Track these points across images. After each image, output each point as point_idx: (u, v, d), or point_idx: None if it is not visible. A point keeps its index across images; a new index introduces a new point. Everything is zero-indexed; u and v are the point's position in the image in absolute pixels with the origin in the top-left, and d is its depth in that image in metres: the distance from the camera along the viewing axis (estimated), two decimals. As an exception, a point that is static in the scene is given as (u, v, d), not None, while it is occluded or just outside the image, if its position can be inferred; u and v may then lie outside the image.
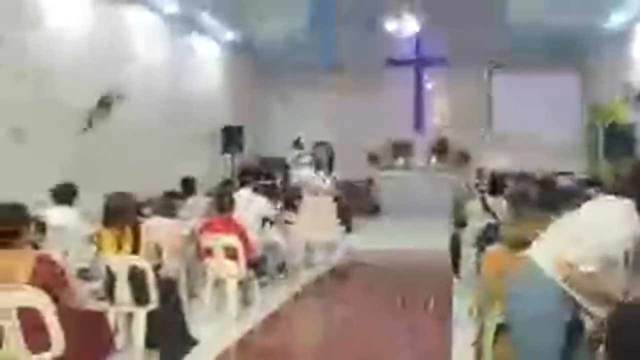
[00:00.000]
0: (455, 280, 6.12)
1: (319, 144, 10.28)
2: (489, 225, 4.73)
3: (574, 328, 2.26)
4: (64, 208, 4.67)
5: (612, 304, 2.08)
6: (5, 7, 5.55)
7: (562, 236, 2.30)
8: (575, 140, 11.53)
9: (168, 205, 5.12)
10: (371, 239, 8.98)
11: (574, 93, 11.71)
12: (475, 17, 11.01)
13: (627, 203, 2.20)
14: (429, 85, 12.60)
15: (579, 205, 2.38)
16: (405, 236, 9.25)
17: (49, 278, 2.88)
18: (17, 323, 2.83)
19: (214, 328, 4.55)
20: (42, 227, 3.65)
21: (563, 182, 6.05)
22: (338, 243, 7.47)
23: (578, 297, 2.18)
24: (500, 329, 2.74)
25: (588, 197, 2.69)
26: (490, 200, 5.43)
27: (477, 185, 7.45)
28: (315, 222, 6.80)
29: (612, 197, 2.30)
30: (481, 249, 3.89)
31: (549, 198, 2.68)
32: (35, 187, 4.74)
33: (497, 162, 11.21)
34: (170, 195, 5.61)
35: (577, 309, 2.23)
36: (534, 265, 2.29)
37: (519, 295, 2.33)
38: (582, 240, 2.19)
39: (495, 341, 2.80)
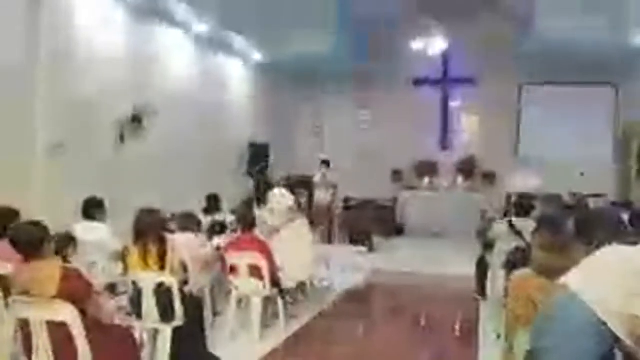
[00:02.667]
0: (481, 303, 6.01)
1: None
2: (517, 249, 4.63)
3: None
4: (92, 223, 4.76)
5: None
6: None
7: (618, 281, 2.20)
8: (607, 160, 11.28)
9: (192, 221, 5.16)
10: (395, 260, 8.89)
11: (607, 111, 11.44)
12: (505, 34, 10.99)
13: None
14: (455, 104, 12.51)
15: (615, 232, 2.31)
16: (430, 257, 9.15)
17: (75, 289, 2.93)
18: (46, 336, 2.88)
19: (237, 346, 4.55)
20: (73, 241, 3.72)
21: (595, 204, 5.91)
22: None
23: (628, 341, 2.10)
24: (530, 355, 2.67)
25: (622, 222, 2.59)
26: (517, 222, 5.34)
27: (505, 206, 7.32)
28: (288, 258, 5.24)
29: None
30: (509, 272, 3.80)
31: (581, 222, 2.61)
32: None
33: (526, 182, 11.06)
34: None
35: (612, 343, 2.15)
36: (573, 297, 2.21)
37: (552, 326, 2.26)
38: None
39: (523, 368, 2.73)
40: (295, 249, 5.26)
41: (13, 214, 4.02)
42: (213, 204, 6.60)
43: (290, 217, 5.14)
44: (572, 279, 2.29)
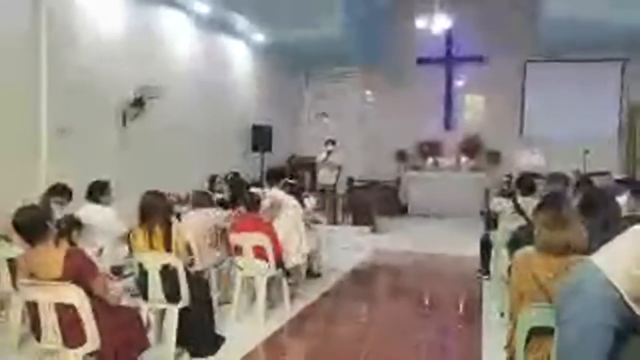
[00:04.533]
0: (485, 281, 6.05)
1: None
2: (521, 228, 4.64)
3: (624, 334, 2.18)
4: (97, 206, 4.78)
5: None
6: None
7: (632, 248, 2.20)
8: (613, 138, 11.19)
9: (205, 198, 5.35)
10: (398, 240, 8.92)
11: (613, 88, 11.30)
12: (510, 11, 10.85)
13: None
14: (459, 83, 12.41)
15: (616, 210, 2.31)
16: (433, 237, 9.19)
17: (79, 267, 2.96)
18: (55, 318, 2.92)
19: (242, 326, 4.60)
20: (78, 224, 3.73)
21: (599, 182, 5.88)
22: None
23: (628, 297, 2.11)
24: (533, 332, 2.69)
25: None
26: (521, 200, 5.33)
27: (508, 184, 7.32)
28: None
29: None
30: (513, 250, 3.82)
31: (585, 200, 2.61)
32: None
33: (530, 161, 11.02)
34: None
35: (633, 321, 2.15)
36: (594, 272, 2.22)
37: (573, 298, 2.27)
38: None
39: (527, 345, 2.75)
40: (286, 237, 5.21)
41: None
42: (214, 184, 6.66)
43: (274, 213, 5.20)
44: (596, 254, 2.30)
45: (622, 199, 3.96)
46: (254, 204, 5.00)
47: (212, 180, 6.79)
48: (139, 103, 7.01)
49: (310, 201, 6.51)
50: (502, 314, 4.64)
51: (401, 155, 12.47)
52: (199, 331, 3.90)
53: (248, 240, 4.77)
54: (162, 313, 3.97)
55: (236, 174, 6.91)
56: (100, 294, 3.05)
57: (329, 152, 9.75)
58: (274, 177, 6.08)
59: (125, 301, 3.83)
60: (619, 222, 2.47)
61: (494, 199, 6.06)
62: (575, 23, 8.84)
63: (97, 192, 4.84)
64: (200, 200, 5.28)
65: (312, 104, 13.04)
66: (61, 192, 4.73)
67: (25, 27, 5.60)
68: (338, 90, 12.71)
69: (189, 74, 8.56)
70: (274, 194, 5.53)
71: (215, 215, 5.21)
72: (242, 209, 5.17)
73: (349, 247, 8.08)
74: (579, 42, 9.92)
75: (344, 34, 10.07)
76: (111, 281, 3.80)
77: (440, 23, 10.01)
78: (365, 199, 9.93)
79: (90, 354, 2.97)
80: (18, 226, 3.01)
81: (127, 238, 4.19)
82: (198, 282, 4.02)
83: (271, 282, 4.95)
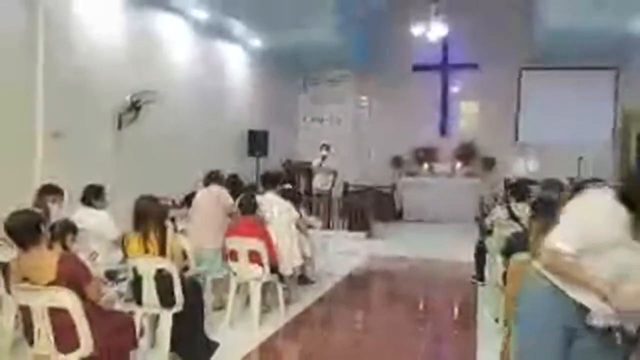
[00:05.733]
0: (480, 287, 6.05)
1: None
2: (515, 234, 4.65)
3: (571, 334, 2.18)
4: (91, 210, 4.76)
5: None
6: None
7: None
8: (607, 145, 11.24)
9: (218, 178, 5.66)
10: (393, 245, 8.93)
11: (608, 96, 11.38)
12: (505, 19, 10.92)
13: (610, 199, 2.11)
14: (455, 90, 12.46)
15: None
16: (428, 242, 9.19)
17: (72, 271, 2.94)
18: (48, 322, 2.90)
19: (237, 332, 4.58)
20: (72, 229, 3.72)
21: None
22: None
23: (557, 282, 2.11)
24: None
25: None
26: (515, 207, 5.35)
27: (504, 192, 7.33)
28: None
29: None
30: (508, 257, 3.83)
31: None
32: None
33: (525, 167, 11.07)
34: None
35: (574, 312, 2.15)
36: (531, 267, 2.27)
37: (524, 295, 2.30)
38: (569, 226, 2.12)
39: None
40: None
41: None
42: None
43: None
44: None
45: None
46: (250, 207, 4.99)
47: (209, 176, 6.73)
48: (134, 107, 7.00)
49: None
50: (496, 320, 4.65)
51: (397, 161, 12.49)
52: (192, 336, 3.89)
53: (243, 244, 4.76)
54: (156, 318, 3.95)
55: (234, 176, 6.87)
56: (93, 298, 3.04)
57: (323, 157, 9.75)
58: (269, 181, 6.06)
59: (119, 306, 3.81)
60: None
61: (492, 210, 6.02)
62: (569, 31, 8.91)
63: (92, 196, 4.81)
64: (212, 177, 5.57)
65: (308, 108, 13.06)
66: (54, 190, 4.69)
67: (21, 28, 5.59)
68: (334, 96, 12.74)
69: (185, 79, 8.56)
70: (268, 198, 5.53)
71: (225, 194, 5.47)
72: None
73: (344, 252, 8.08)
74: (573, 50, 9.99)
75: (341, 39, 10.11)
76: (105, 286, 3.78)
77: (436, 30, 10.07)
78: (361, 204, 9.94)
79: (84, 359, 2.95)
80: (10, 230, 2.99)
81: (121, 242, 4.17)
82: (192, 287, 4.00)
83: (266, 287, 4.94)
